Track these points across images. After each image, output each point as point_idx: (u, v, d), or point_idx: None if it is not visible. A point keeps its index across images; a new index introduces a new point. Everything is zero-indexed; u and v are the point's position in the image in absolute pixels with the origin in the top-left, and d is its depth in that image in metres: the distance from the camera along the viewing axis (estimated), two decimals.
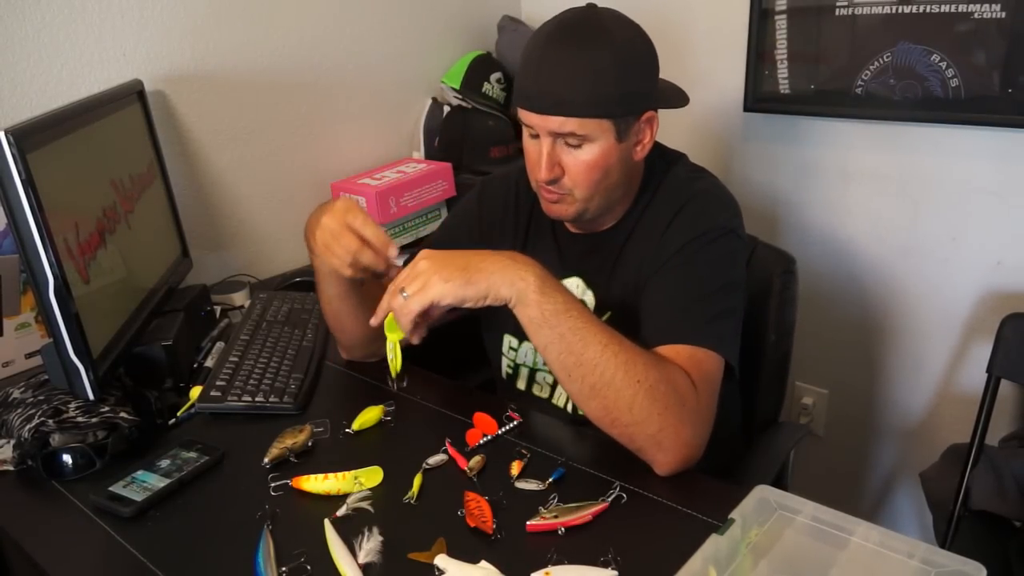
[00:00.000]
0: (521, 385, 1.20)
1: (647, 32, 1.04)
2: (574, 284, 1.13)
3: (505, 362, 1.21)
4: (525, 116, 1.01)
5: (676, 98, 1.09)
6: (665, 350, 0.95)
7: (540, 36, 1.00)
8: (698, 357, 0.95)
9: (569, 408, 1.15)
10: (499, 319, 1.20)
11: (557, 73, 0.96)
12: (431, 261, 0.92)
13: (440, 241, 1.24)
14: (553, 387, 1.17)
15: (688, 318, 0.98)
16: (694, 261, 1.02)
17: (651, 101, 1.03)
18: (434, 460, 0.97)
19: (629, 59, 0.98)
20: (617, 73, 0.96)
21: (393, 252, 1.02)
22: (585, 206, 1.04)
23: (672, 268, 1.03)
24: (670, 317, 0.99)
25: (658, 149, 1.13)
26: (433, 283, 0.89)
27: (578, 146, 0.99)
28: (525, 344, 1.17)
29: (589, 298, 1.12)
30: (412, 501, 0.90)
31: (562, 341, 0.89)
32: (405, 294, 0.91)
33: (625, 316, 1.08)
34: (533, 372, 1.18)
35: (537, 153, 1.01)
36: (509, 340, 1.20)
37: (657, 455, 0.91)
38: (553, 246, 1.16)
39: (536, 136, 1.01)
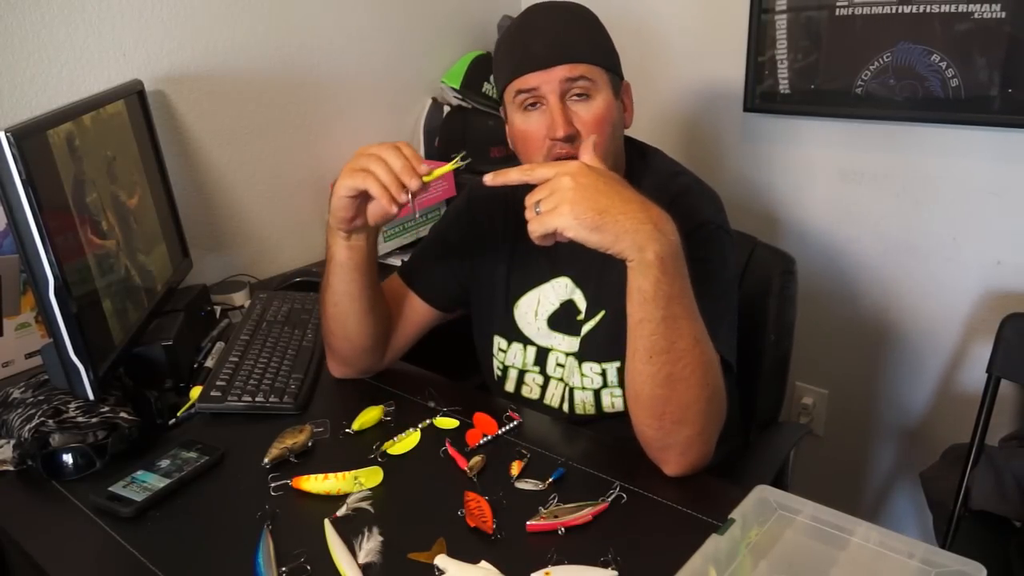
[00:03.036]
0: (510, 387, 1.20)
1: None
2: (563, 284, 1.13)
3: (495, 364, 1.21)
4: (528, 80, 1.00)
5: None
6: None
7: (520, 17, 1.06)
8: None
9: (565, 407, 1.15)
10: (488, 320, 1.20)
11: (559, 28, 1.01)
12: (575, 184, 0.83)
13: (431, 243, 1.25)
14: (543, 388, 1.16)
15: None
16: (689, 260, 1.02)
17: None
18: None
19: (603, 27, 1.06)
20: (603, 32, 1.04)
21: (425, 167, 0.96)
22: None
23: None
24: None
25: (635, 145, 1.15)
26: (563, 212, 0.82)
27: (586, 97, 1.00)
28: (514, 345, 1.17)
29: (579, 297, 1.12)
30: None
31: (663, 323, 0.85)
32: (539, 209, 0.84)
33: (619, 315, 1.08)
34: (522, 373, 1.18)
35: (542, 122, 1.01)
36: (499, 341, 1.19)
37: (679, 457, 0.91)
38: (542, 248, 1.15)
39: (534, 105, 1.02)
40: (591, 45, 1.01)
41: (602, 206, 0.82)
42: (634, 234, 0.82)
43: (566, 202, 0.82)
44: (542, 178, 0.85)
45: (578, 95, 1.00)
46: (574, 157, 0.99)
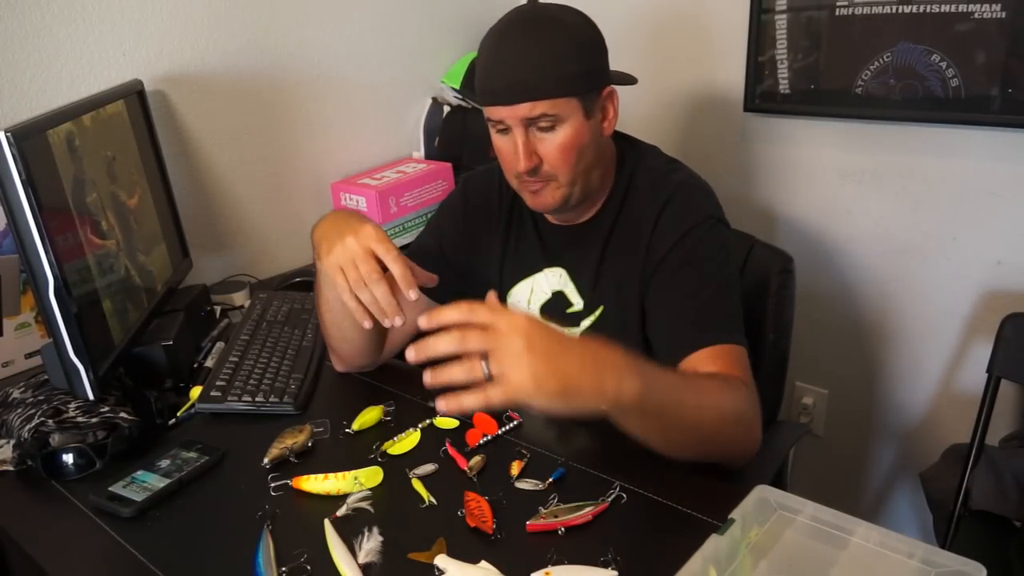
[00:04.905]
0: None
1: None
2: (557, 275, 1.14)
3: None
4: (494, 112, 1.02)
5: (626, 78, 1.11)
6: (703, 355, 0.97)
7: (492, 35, 1.03)
8: (735, 354, 0.98)
9: None
10: None
11: (518, 62, 0.98)
12: (529, 347, 0.74)
13: (428, 235, 1.25)
14: None
15: (711, 318, 1.00)
16: (695, 258, 1.03)
17: (608, 76, 1.05)
18: (422, 470, 0.96)
19: (581, 38, 1.01)
20: (574, 52, 0.99)
21: (414, 295, 0.92)
22: (569, 191, 1.05)
23: (675, 269, 1.04)
24: (695, 320, 1.00)
25: (627, 140, 1.16)
26: (524, 383, 0.73)
27: (550, 128, 1.00)
28: None
29: (571, 290, 1.13)
30: (428, 505, 0.90)
31: (661, 426, 0.84)
32: (488, 371, 0.75)
33: (619, 311, 1.09)
34: None
35: (510, 148, 1.02)
36: None
37: (733, 462, 0.95)
38: (535, 238, 1.17)
39: (505, 131, 1.03)
40: (556, 77, 0.97)
41: (563, 372, 0.74)
42: (601, 392, 0.76)
43: (525, 370, 0.73)
44: (483, 323, 0.76)
45: (542, 128, 1.00)
46: (542, 186, 1.03)
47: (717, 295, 1.02)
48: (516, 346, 0.74)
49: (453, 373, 0.76)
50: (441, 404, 0.76)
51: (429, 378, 0.77)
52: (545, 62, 0.97)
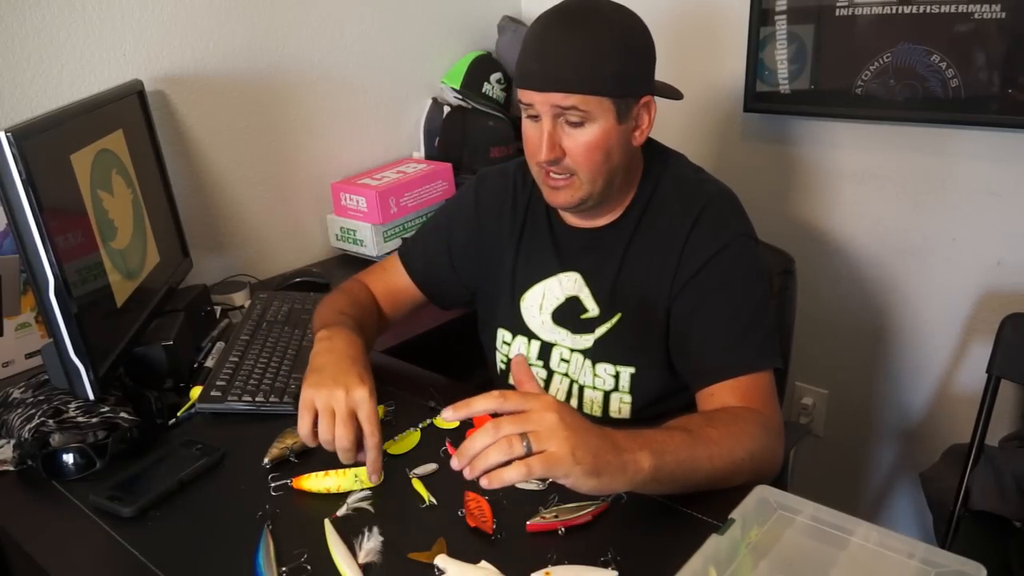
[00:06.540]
0: (513, 382, 1.20)
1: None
2: (572, 279, 1.12)
3: (499, 357, 1.21)
4: (526, 95, 1.00)
5: (671, 92, 1.10)
6: (726, 386, 0.98)
7: (541, 20, 1.01)
8: (759, 384, 0.98)
9: (572, 404, 1.15)
10: (494, 314, 1.20)
11: (559, 51, 0.97)
12: (563, 423, 0.76)
13: (438, 242, 1.23)
14: (546, 383, 1.16)
15: (741, 347, 1.00)
16: (728, 281, 1.02)
17: (649, 86, 1.03)
18: (422, 470, 0.96)
19: (628, 42, 0.99)
20: (617, 54, 0.97)
21: (376, 480, 0.92)
22: (590, 190, 1.03)
23: (708, 291, 1.03)
24: (723, 349, 1.00)
25: (654, 145, 1.14)
26: (563, 453, 0.75)
27: (579, 124, 0.99)
28: (519, 339, 1.17)
29: (586, 295, 1.11)
30: (428, 505, 0.90)
31: (676, 486, 0.86)
32: (527, 444, 0.75)
33: (639, 319, 1.08)
34: None
35: (537, 135, 1.01)
36: (503, 334, 1.19)
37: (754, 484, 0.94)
38: (549, 240, 1.15)
39: (536, 118, 1.01)
40: (594, 74, 0.96)
41: (593, 447, 0.77)
42: (622, 472, 0.79)
43: (564, 444, 0.75)
44: (516, 408, 0.78)
45: (571, 122, 0.99)
46: (563, 184, 1.02)
47: (750, 320, 1.01)
48: (551, 421, 0.76)
49: (490, 458, 0.75)
50: (484, 482, 0.75)
51: (467, 470, 0.76)
52: (586, 57, 0.96)
